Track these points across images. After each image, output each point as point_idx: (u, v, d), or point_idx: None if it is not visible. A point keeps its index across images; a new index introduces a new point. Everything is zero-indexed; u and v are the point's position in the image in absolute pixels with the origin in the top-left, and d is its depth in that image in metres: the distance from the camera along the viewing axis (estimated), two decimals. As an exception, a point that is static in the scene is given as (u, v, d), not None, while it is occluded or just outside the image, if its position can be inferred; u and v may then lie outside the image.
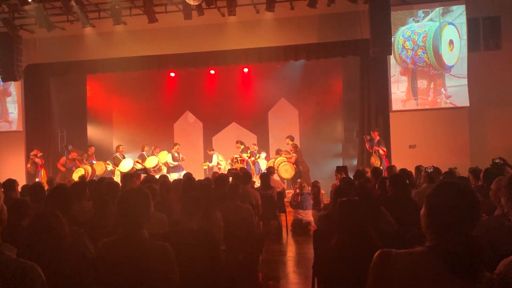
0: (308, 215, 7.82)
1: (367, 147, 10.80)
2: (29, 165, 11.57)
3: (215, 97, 14.16)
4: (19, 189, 6.15)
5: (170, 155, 12.12)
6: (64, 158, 11.66)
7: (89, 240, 3.15)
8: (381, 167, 9.65)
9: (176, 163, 12.09)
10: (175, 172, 11.87)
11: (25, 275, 1.72)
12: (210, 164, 12.38)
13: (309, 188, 8.27)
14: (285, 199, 8.35)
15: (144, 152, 12.24)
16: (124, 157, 12.12)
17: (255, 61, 11.82)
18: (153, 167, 11.73)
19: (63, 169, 11.47)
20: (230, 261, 4.00)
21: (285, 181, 11.22)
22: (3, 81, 11.67)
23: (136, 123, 14.58)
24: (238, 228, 4.62)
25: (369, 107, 11.43)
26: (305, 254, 6.40)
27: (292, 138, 11.60)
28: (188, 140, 14.52)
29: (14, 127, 12.73)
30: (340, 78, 13.20)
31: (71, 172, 11.24)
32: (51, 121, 12.63)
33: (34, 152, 11.52)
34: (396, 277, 1.56)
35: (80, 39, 11.78)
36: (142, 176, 7.68)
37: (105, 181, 5.90)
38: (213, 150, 12.61)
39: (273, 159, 11.67)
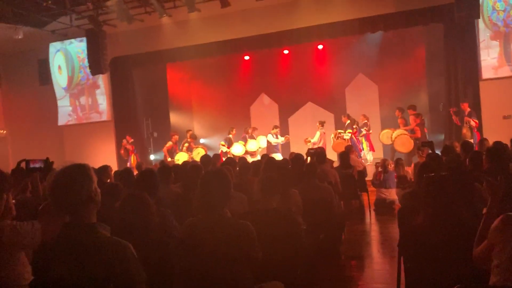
0: (392, 194, 7.57)
1: (454, 120, 10.10)
2: (122, 151, 12.40)
3: (289, 78, 14.06)
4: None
5: (271, 135, 12.27)
6: (171, 144, 12.29)
7: (175, 220, 3.32)
8: (472, 141, 8.99)
9: (278, 140, 12.21)
10: (276, 152, 11.89)
11: (119, 252, 1.85)
12: (312, 140, 12.13)
13: (392, 166, 7.97)
14: (367, 178, 8.14)
15: (230, 136, 12.45)
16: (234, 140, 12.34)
17: (329, 37, 11.50)
18: (253, 151, 11.94)
19: (168, 157, 11.99)
20: (311, 241, 4.00)
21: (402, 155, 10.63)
22: (92, 75, 12.52)
23: (214, 108, 14.99)
24: (318, 208, 4.59)
25: (456, 77, 10.64)
26: (389, 233, 6.21)
27: (414, 108, 10.78)
28: (265, 122, 14.62)
29: (104, 117, 13.73)
30: (422, 48, 12.43)
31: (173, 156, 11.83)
32: (136, 110, 13.41)
33: (126, 138, 12.31)
34: None
35: (158, 29, 12.29)
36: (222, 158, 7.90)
37: (189, 164, 6.16)
38: (322, 126, 12.23)
39: (390, 131, 10.96)
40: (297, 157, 6.13)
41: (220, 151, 11.87)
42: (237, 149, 11.98)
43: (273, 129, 12.46)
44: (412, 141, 10.28)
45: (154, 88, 14.06)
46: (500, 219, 1.63)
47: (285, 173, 4.72)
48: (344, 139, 11.25)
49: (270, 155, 8.12)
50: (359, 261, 5.29)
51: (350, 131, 11.51)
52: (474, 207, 2.93)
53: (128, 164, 11.78)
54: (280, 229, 3.18)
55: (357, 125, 11.68)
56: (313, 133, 12.11)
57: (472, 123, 9.63)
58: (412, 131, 10.53)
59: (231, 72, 14.74)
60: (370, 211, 7.61)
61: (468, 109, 9.85)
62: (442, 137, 11.23)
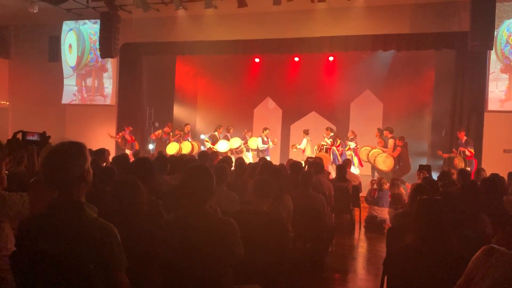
0: (384, 213, 7.55)
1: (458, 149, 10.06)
2: (119, 140, 12.35)
3: (296, 85, 14.07)
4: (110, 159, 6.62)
5: (260, 138, 12.31)
6: (160, 132, 12.34)
7: (165, 211, 3.31)
8: (469, 169, 8.97)
9: (265, 146, 12.23)
10: (267, 155, 11.93)
11: (103, 233, 1.84)
12: (298, 146, 12.28)
13: (387, 185, 7.95)
14: (361, 194, 8.12)
15: (216, 133, 12.50)
16: (220, 138, 12.44)
17: (341, 50, 11.48)
18: (235, 148, 12.02)
19: (154, 137, 12.17)
20: (297, 248, 3.99)
21: (376, 175, 10.75)
22: (101, 58, 12.54)
23: (218, 105, 14.99)
24: (309, 217, 4.59)
25: (462, 105, 10.63)
26: (376, 251, 6.19)
27: (391, 130, 10.95)
28: (267, 126, 14.60)
29: (108, 101, 13.72)
30: (432, 72, 12.43)
31: (164, 144, 11.90)
32: (141, 97, 13.37)
33: (125, 128, 12.26)
34: (494, 274, 1.49)
35: (172, 21, 12.30)
36: (219, 156, 7.89)
37: (185, 157, 6.16)
38: (307, 134, 12.39)
39: (369, 148, 11.11)
40: (296, 165, 6.13)
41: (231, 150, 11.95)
42: (222, 146, 12.03)
43: (263, 131, 12.45)
44: (392, 160, 10.42)
45: (161, 78, 14.04)
46: (483, 250, 1.61)
47: (281, 178, 4.71)
48: (328, 150, 11.27)
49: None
50: (343, 275, 5.27)
51: (327, 141, 11.53)
52: (465, 236, 2.91)
53: (128, 151, 11.75)
54: (267, 232, 3.17)
55: (339, 139, 11.72)
56: (313, 142, 12.11)
57: (467, 152, 9.58)
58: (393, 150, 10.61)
59: (240, 72, 14.75)
60: (360, 227, 7.59)
61: (465, 138, 9.83)
62: (441, 162, 11.21)
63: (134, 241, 2.32)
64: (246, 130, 12.81)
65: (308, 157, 8.64)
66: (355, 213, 7.64)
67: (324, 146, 11.44)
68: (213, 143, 12.16)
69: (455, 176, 6.65)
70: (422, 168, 6.82)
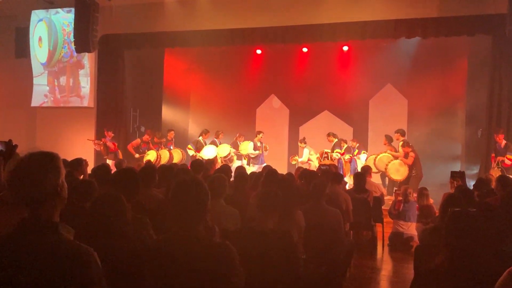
0: (411, 229, 7.53)
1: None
2: (101, 148, 12.34)
3: (305, 80, 14.11)
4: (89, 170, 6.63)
5: (252, 143, 12.35)
6: (138, 141, 12.34)
7: (152, 230, 3.31)
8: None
9: (257, 152, 12.27)
10: (256, 164, 12.07)
11: (80, 258, 1.84)
12: (300, 159, 12.39)
13: (415, 195, 7.94)
14: (384, 207, 8.11)
15: (216, 139, 12.62)
16: (206, 143, 12.56)
17: (357, 38, 11.50)
18: (224, 157, 12.06)
19: (135, 153, 12.11)
20: (310, 272, 3.98)
21: (387, 183, 10.91)
22: (77, 52, 12.57)
23: (214, 106, 15.05)
24: (322, 235, 4.57)
25: (500, 100, 10.62)
26: (403, 274, 6.18)
27: (403, 133, 11.15)
28: (272, 129, 14.67)
29: (85, 103, 13.77)
30: (464, 63, 12.45)
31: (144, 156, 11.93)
32: (124, 98, 13.40)
33: (105, 134, 12.28)
34: None
35: (159, 8, 12.36)
36: (217, 165, 7.90)
37: (176, 168, 6.18)
38: (305, 142, 12.60)
39: (374, 155, 11.37)
40: (310, 174, 6.14)
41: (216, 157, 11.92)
42: (208, 153, 12.06)
43: (257, 135, 12.51)
44: (406, 167, 10.58)
45: (148, 75, 14.11)
46: (509, 272, 1.60)
47: (289, 189, 4.70)
48: (333, 159, 11.32)
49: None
50: (364, 303, 5.26)
51: (339, 150, 11.58)
52: (505, 252, 2.90)
53: (109, 162, 11.77)
54: (274, 254, 3.17)
55: (345, 144, 11.87)
56: (325, 147, 12.12)
57: (507, 161, 9.53)
58: (405, 156, 10.72)
59: (239, 66, 14.81)
60: (383, 245, 7.58)
61: (504, 142, 9.79)
62: (477, 168, 11.19)
63: (116, 267, 2.33)
64: (238, 135, 12.87)
65: (320, 164, 8.67)
66: (377, 230, 7.62)
67: (329, 154, 11.49)
68: (197, 150, 12.22)
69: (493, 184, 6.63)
70: (454, 175, 6.78)
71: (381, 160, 10.91)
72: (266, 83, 14.77)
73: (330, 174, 7.03)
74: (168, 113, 14.75)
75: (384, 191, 9.20)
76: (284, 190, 4.09)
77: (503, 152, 9.72)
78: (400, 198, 7.83)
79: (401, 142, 10.89)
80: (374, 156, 11.39)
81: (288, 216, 4.04)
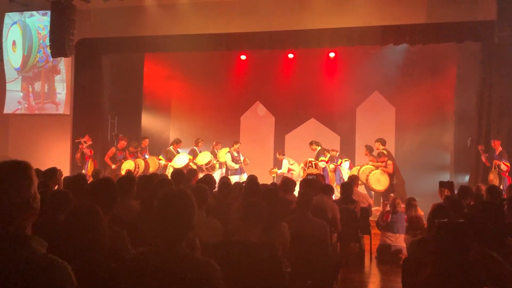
0: (399, 240, 7.58)
1: (483, 159, 10.23)
2: (78, 156, 12.24)
3: (291, 87, 14.17)
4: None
5: (229, 154, 12.34)
6: (113, 149, 12.25)
7: (130, 243, 3.29)
8: (501, 186, 9.08)
9: (237, 166, 12.27)
10: (235, 174, 12.08)
11: (53, 273, 1.81)
12: (279, 171, 12.41)
13: (403, 206, 8.00)
14: (371, 218, 8.15)
15: (195, 148, 12.61)
16: (178, 152, 12.54)
17: (343, 44, 11.63)
18: (205, 164, 12.02)
19: (111, 163, 12.01)
20: (295, 287, 3.99)
21: (373, 194, 11.02)
22: (52, 57, 12.46)
23: (197, 113, 15.01)
24: (308, 247, 4.58)
25: (490, 108, 10.80)
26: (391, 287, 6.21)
27: (383, 142, 11.35)
28: (257, 137, 14.72)
29: (61, 110, 13.64)
30: (453, 69, 12.62)
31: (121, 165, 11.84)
32: (101, 105, 13.33)
33: (84, 139, 12.19)
34: None
35: (140, 11, 12.32)
36: (200, 174, 7.88)
37: (157, 178, 6.14)
38: (283, 154, 12.65)
39: (358, 167, 11.47)
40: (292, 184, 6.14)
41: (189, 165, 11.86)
42: (179, 161, 12.03)
43: (233, 145, 12.52)
44: (387, 176, 10.81)
45: (127, 81, 14.03)
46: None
47: (273, 200, 4.70)
48: (318, 168, 11.41)
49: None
50: (351, 318, 5.27)
51: (324, 158, 11.68)
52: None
53: (84, 171, 11.69)
54: (258, 268, 3.18)
55: (328, 153, 11.99)
56: (309, 155, 12.18)
57: (503, 166, 9.71)
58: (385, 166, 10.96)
59: (223, 72, 14.82)
60: (371, 258, 7.60)
61: (500, 149, 9.96)
62: (467, 178, 11.33)
63: (91, 283, 2.30)
64: (214, 143, 12.89)
65: (307, 174, 8.71)
66: (364, 242, 7.65)
67: (313, 163, 11.57)
68: (169, 160, 12.19)
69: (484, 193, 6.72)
70: (442, 185, 6.86)
71: (364, 172, 11.05)
72: (251, 90, 14.80)
73: (318, 184, 7.05)
74: (148, 121, 14.68)
75: (372, 201, 9.26)
76: (268, 201, 4.10)
77: (498, 159, 9.87)
78: (388, 209, 7.88)
79: (378, 152, 11.10)
80: (358, 167, 11.50)
81: (272, 228, 4.04)
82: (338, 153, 12.38)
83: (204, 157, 12.22)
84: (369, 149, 11.55)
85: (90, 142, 12.21)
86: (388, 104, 13.98)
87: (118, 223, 3.65)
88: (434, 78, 13.12)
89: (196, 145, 12.70)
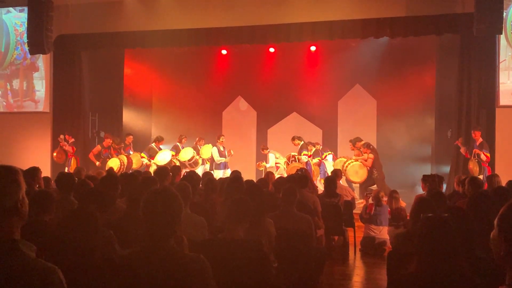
0: (383, 233, 7.66)
1: (463, 152, 10.38)
2: (55, 154, 12.11)
3: (273, 81, 14.19)
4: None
5: (215, 148, 12.32)
6: (99, 147, 12.14)
7: (118, 243, 3.29)
8: (481, 177, 9.23)
9: (222, 159, 12.27)
10: (219, 169, 12.08)
11: (44, 277, 1.81)
12: (267, 165, 12.45)
13: (386, 198, 8.09)
14: (355, 211, 8.23)
15: (178, 144, 12.60)
16: (160, 149, 12.49)
17: (324, 38, 11.66)
18: (188, 160, 12.01)
19: (96, 161, 11.90)
20: (282, 281, 4.03)
21: (353, 186, 11.14)
22: (30, 54, 12.30)
23: (179, 108, 14.99)
24: (294, 242, 4.62)
25: (469, 100, 10.95)
26: (375, 279, 6.29)
27: (359, 140, 11.58)
28: (239, 131, 14.72)
29: (40, 108, 13.48)
30: (433, 62, 12.77)
31: (106, 163, 11.73)
32: (81, 102, 13.20)
33: (66, 137, 12.06)
34: None
35: (119, 6, 12.23)
36: (183, 171, 7.87)
37: (141, 176, 6.12)
38: (267, 148, 12.69)
39: (343, 159, 11.56)
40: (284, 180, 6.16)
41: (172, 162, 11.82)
42: (162, 157, 12.01)
43: (218, 138, 12.53)
44: (366, 169, 11.01)
45: (107, 78, 13.89)
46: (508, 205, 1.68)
47: (259, 196, 4.73)
48: (301, 163, 11.51)
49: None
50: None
51: (307, 153, 11.77)
52: (477, 257, 3.00)
53: (67, 169, 11.57)
54: (245, 264, 3.20)
55: (313, 147, 12.07)
56: (292, 149, 12.24)
57: (483, 156, 9.85)
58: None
59: (204, 67, 14.78)
60: (355, 251, 7.67)
61: (480, 139, 10.11)
62: (448, 169, 11.49)
63: (82, 286, 2.31)
64: (197, 139, 12.86)
65: (297, 169, 8.74)
66: (348, 234, 7.73)
67: (296, 157, 11.63)
68: (151, 157, 12.17)
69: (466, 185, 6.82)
70: (426, 179, 6.92)
71: (343, 163, 11.25)
72: (232, 84, 14.79)
73: (298, 178, 7.07)
74: (129, 117, 14.56)
75: (355, 194, 9.35)
76: (253, 197, 4.13)
77: (479, 149, 10.00)
78: (371, 201, 7.96)
79: (363, 143, 11.33)
80: (343, 159, 11.59)
81: (258, 224, 4.07)
82: (321, 147, 12.45)
83: (186, 153, 12.18)
84: (354, 143, 11.66)
85: (72, 140, 12.07)
86: (370, 96, 14.10)
87: (105, 224, 3.65)
88: (415, 71, 13.25)
89: (180, 141, 12.67)
